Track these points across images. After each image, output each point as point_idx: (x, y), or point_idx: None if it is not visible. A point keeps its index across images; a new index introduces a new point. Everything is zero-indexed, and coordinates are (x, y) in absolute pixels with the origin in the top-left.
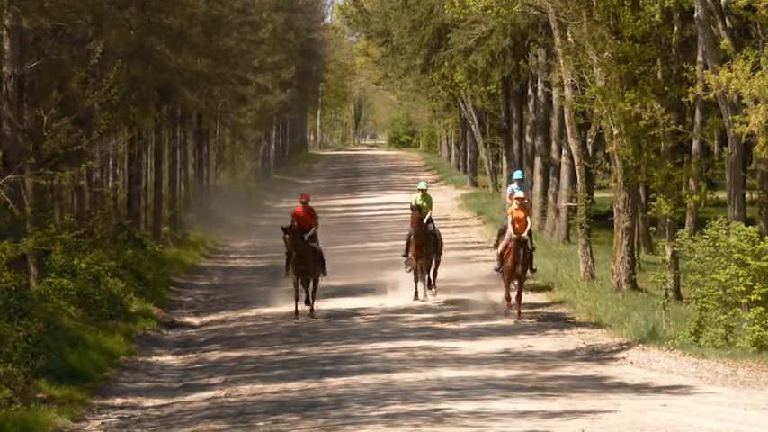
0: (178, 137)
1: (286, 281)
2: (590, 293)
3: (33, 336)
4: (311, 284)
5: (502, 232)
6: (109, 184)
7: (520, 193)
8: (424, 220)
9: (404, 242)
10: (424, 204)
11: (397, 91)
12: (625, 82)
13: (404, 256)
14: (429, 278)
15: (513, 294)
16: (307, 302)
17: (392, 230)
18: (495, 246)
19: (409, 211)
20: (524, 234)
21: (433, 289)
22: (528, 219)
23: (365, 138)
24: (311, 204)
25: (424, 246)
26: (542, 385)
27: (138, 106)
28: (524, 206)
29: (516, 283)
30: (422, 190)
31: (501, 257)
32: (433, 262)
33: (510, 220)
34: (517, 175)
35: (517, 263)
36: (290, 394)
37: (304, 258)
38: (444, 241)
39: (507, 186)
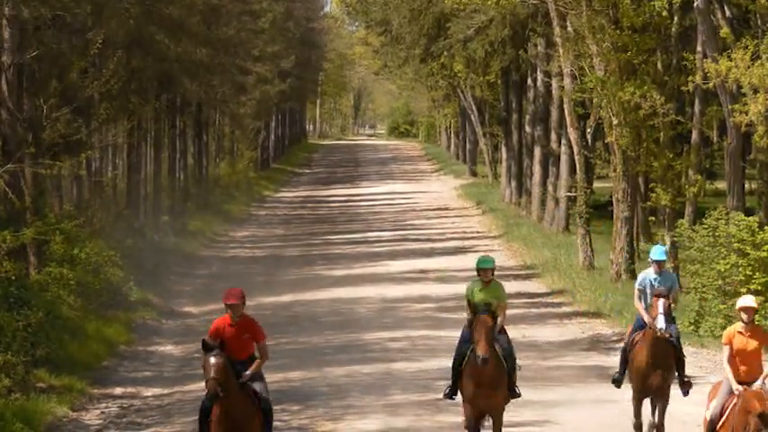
0: (177, 126)
1: (286, 271)
2: (589, 283)
3: (33, 325)
4: None
5: (626, 359)
6: (108, 173)
7: (748, 300)
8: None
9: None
10: (491, 300)
11: (397, 80)
12: (624, 71)
13: (448, 396)
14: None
15: None
16: None
17: (393, 220)
18: (616, 381)
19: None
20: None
21: None
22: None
23: (364, 127)
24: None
25: (496, 382)
26: (544, 375)
27: (138, 96)
28: (759, 328)
29: None
30: (485, 270)
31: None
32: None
33: (727, 354)
34: (658, 254)
35: None
36: (290, 384)
37: (236, 419)
38: (445, 232)
39: (639, 277)
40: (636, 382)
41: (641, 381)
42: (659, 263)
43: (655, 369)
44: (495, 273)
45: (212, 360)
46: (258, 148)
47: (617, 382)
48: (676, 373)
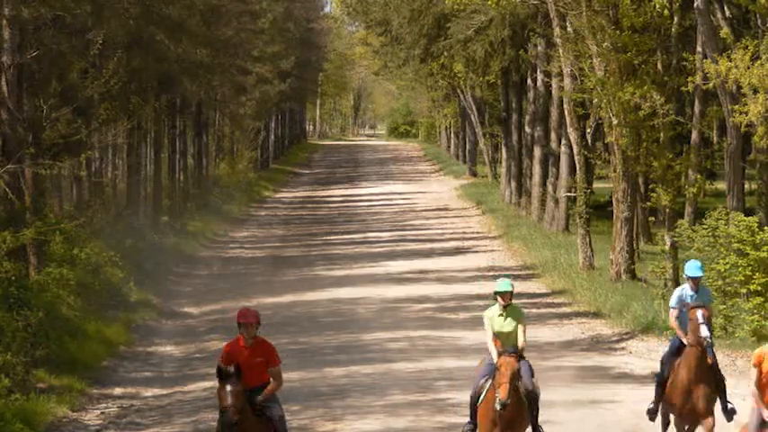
0: (177, 127)
1: (286, 271)
2: (589, 283)
3: (33, 325)
4: None
5: (662, 382)
6: (108, 173)
7: None
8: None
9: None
10: (512, 328)
11: (397, 81)
12: (624, 72)
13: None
14: None
15: None
16: None
17: (392, 221)
18: (650, 412)
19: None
20: None
21: None
22: None
23: (364, 128)
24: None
25: (514, 422)
26: (544, 375)
27: (138, 96)
28: None
29: None
30: (503, 295)
31: None
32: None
33: (755, 377)
34: (694, 270)
35: None
36: (290, 384)
37: None
38: (444, 232)
39: (674, 295)
40: (677, 406)
41: (682, 403)
42: (695, 279)
43: (697, 390)
44: (495, 273)
45: (229, 388)
46: (258, 149)
47: (651, 413)
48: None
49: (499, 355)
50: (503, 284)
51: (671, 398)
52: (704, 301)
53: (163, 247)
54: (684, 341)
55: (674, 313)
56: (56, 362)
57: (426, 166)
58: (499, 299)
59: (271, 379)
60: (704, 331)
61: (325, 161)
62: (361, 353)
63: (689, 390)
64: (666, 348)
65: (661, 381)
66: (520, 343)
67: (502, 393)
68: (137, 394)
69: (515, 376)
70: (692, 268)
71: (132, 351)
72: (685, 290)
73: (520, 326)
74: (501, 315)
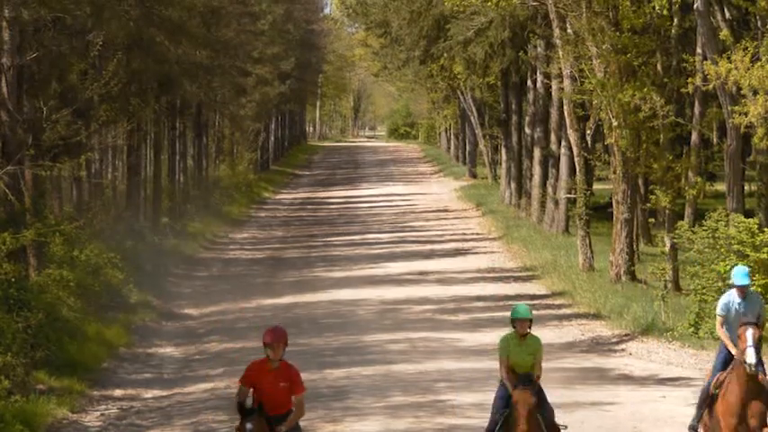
0: (177, 128)
1: (286, 273)
2: (589, 285)
3: (33, 327)
4: None
5: (706, 402)
6: (108, 175)
7: None
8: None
9: None
10: (531, 360)
11: (397, 82)
12: (624, 73)
13: None
14: None
15: None
16: None
17: (392, 222)
18: (692, 428)
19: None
20: None
21: None
22: None
23: (364, 129)
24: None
25: None
26: (543, 377)
27: (138, 98)
28: None
29: None
30: (522, 322)
31: None
32: None
33: None
34: (740, 277)
35: None
36: None
37: None
38: (444, 234)
39: (721, 302)
40: (731, 424)
41: (737, 422)
42: (743, 288)
43: (751, 410)
44: (495, 274)
45: (249, 426)
46: (258, 150)
47: (693, 430)
48: None
49: (514, 387)
50: (522, 311)
51: (725, 416)
52: (755, 312)
53: (163, 249)
54: (732, 352)
55: (720, 320)
56: (56, 363)
57: (426, 168)
58: (518, 326)
59: (293, 408)
60: (750, 357)
61: (325, 162)
62: (361, 354)
63: (743, 409)
64: (717, 355)
65: (706, 395)
66: (536, 376)
67: (520, 425)
68: (137, 396)
69: (533, 412)
70: (738, 276)
71: (132, 352)
72: (732, 296)
73: (537, 359)
74: (519, 345)
